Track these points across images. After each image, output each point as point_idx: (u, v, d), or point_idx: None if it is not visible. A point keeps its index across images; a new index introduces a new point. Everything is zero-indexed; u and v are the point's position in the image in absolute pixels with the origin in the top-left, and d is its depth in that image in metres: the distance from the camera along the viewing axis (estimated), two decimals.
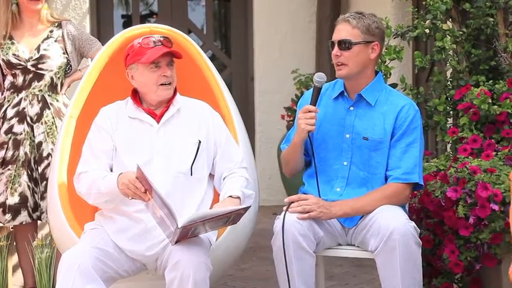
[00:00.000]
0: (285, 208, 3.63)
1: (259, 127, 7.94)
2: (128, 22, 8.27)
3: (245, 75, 8.13)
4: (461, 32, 4.53)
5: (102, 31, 7.82)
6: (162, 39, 3.71)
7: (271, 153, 7.65)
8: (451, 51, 4.54)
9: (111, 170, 3.70)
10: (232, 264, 4.12)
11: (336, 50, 3.72)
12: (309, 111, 3.70)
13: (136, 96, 3.79)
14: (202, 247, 3.51)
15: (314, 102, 3.73)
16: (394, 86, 4.29)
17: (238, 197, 3.62)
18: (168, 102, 3.76)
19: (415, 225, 3.57)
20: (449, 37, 4.50)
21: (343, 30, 3.72)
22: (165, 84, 3.70)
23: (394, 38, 4.61)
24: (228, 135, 3.87)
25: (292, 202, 3.66)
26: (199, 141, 3.73)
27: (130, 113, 3.76)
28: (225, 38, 8.57)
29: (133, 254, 3.62)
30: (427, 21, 4.50)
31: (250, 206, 3.56)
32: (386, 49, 4.51)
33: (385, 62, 4.52)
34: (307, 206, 3.63)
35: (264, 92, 7.93)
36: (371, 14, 3.78)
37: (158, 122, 3.74)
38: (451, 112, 4.57)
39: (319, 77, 3.74)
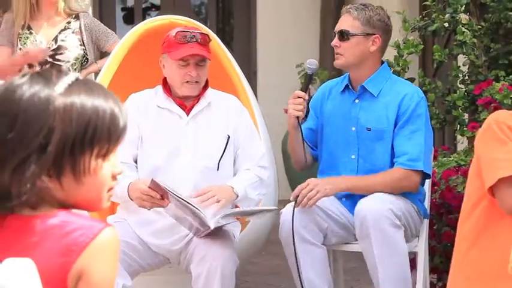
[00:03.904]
0: (292, 204, 3.57)
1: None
2: (128, 15, 8.21)
3: (248, 69, 8.06)
4: (479, 26, 4.51)
5: (104, 24, 7.72)
6: (198, 35, 3.59)
7: (275, 148, 7.59)
8: (470, 45, 4.51)
9: (135, 162, 3.64)
10: (252, 257, 4.10)
11: (335, 41, 3.69)
12: (298, 97, 3.66)
13: (166, 85, 3.70)
14: (228, 240, 3.47)
15: (305, 88, 3.70)
16: (411, 80, 4.26)
17: (237, 195, 3.54)
18: (199, 95, 3.68)
19: (393, 208, 3.47)
20: (468, 31, 4.47)
21: (344, 21, 3.70)
22: (190, 82, 3.61)
23: (412, 31, 4.58)
24: (253, 132, 3.78)
25: (297, 196, 3.57)
26: (228, 136, 3.65)
27: (159, 103, 3.67)
28: (228, 32, 8.53)
29: (158, 248, 3.59)
30: (447, 15, 4.47)
31: (275, 208, 3.47)
32: (404, 43, 4.49)
33: (403, 56, 4.49)
34: (309, 193, 3.54)
35: (267, 87, 7.88)
36: (377, 7, 3.72)
37: (188, 114, 3.66)
38: (468, 107, 4.54)
39: (311, 63, 3.72)
